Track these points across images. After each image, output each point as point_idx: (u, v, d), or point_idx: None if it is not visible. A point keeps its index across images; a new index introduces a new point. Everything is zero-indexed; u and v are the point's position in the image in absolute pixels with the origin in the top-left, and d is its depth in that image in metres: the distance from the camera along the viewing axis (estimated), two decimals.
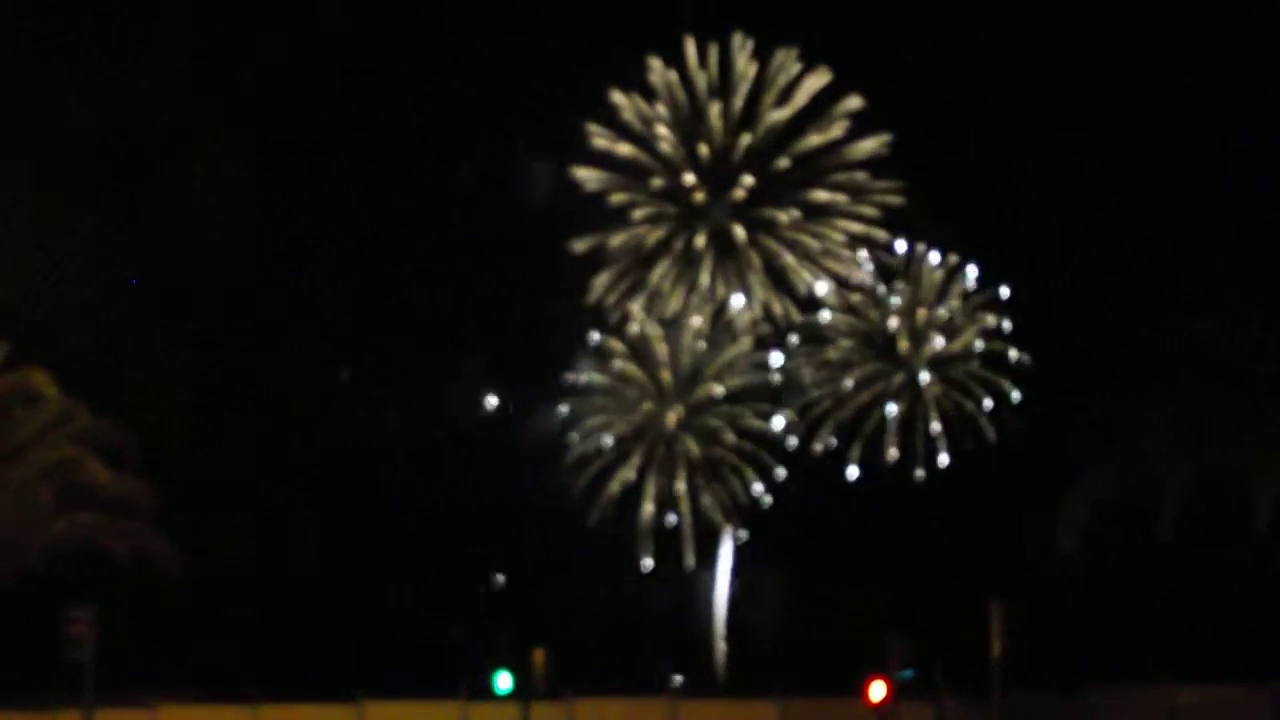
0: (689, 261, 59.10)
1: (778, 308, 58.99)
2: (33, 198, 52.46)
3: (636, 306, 58.62)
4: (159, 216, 55.27)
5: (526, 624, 50.35)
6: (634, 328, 58.53)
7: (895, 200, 58.30)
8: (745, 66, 58.86)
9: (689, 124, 59.23)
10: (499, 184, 59.26)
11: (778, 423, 58.05)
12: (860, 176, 58.44)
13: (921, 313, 58.64)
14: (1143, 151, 53.86)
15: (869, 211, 58.71)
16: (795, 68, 58.56)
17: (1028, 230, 54.50)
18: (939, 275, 58.80)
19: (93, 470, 47.24)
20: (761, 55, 58.74)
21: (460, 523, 55.34)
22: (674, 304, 59.01)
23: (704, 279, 59.13)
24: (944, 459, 58.03)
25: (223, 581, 52.24)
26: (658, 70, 59.04)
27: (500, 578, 57.68)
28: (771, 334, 59.05)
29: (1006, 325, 58.47)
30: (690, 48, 58.74)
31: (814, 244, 58.75)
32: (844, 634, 47.84)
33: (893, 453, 58.32)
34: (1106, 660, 45.35)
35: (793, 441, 58.10)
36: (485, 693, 43.03)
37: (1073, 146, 54.97)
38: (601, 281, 58.76)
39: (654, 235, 59.09)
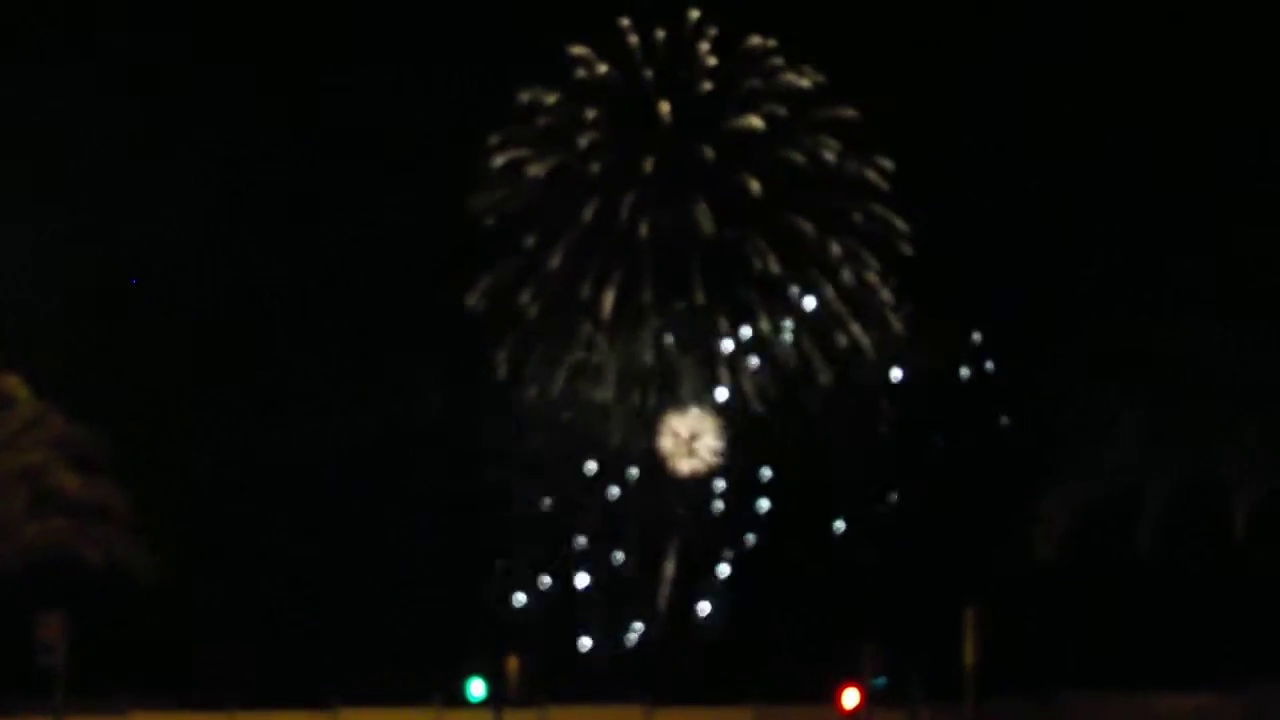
0: (629, 315, 48.13)
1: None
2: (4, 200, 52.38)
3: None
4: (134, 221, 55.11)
5: (499, 631, 50.18)
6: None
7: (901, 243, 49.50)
8: (704, 58, 47.93)
9: (627, 132, 47.37)
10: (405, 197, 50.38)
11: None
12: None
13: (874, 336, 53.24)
14: (1131, 153, 53.79)
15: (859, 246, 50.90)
16: (771, 63, 48.78)
17: (1004, 234, 53.97)
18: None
19: (61, 476, 47.05)
20: (726, 45, 47.73)
21: (433, 528, 55.17)
22: (608, 384, 48.61)
23: (647, 333, 48.72)
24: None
25: (196, 588, 51.98)
26: (586, 60, 47.78)
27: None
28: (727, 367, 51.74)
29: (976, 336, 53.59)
30: (630, 33, 47.07)
31: (800, 299, 49.96)
32: (802, 638, 47.65)
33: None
34: (1083, 667, 45.21)
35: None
36: (459, 700, 42.86)
37: (1049, 150, 54.76)
38: (506, 349, 48.48)
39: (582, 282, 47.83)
